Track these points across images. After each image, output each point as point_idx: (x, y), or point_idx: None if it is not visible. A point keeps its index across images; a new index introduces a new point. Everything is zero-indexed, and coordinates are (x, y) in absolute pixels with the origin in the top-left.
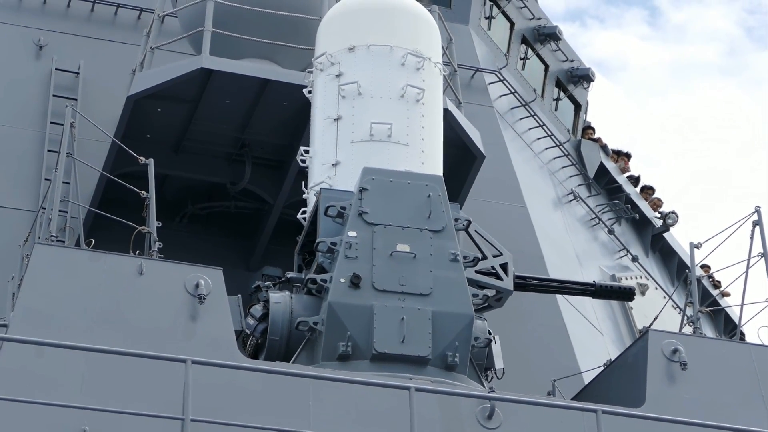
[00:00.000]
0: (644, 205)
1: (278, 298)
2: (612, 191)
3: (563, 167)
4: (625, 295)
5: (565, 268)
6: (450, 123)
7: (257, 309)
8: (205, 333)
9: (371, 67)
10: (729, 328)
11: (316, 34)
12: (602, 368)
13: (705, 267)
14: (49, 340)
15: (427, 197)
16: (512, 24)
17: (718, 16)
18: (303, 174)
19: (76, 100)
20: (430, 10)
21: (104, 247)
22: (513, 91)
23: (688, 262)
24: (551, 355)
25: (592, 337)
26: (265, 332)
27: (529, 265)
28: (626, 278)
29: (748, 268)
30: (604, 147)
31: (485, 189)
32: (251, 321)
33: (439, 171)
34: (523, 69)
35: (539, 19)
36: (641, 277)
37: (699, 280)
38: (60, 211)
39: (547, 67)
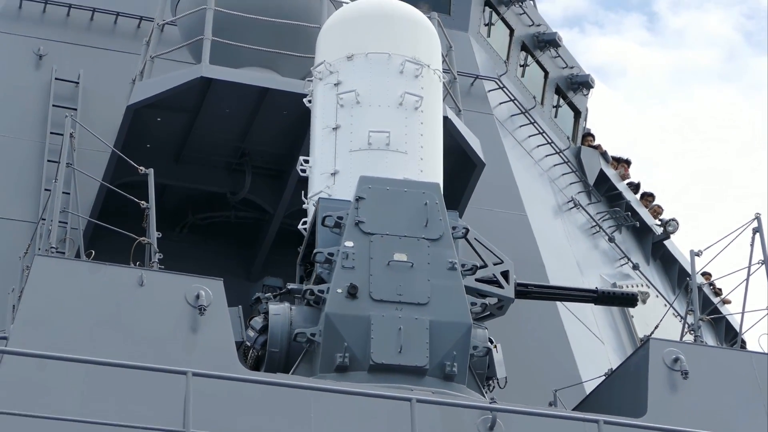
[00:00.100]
0: (644, 213)
1: (278, 309)
2: (612, 198)
3: (563, 174)
4: (627, 301)
5: (565, 276)
6: (450, 131)
7: (257, 321)
8: (205, 344)
9: (369, 75)
10: (730, 335)
11: (315, 42)
12: (604, 377)
13: (706, 274)
14: (50, 353)
15: (423, 205)
16: (512, 31)
17: (716, 21)
18: (303, 183)
19: (75, 109)
20: (429, 17)
21: (104, 257)
22: (513, 98)
23: (689, 270)
24: (552, 365)
25: (593, 346)
26: (265, 344)
27: (529, 273)
28: (627, 286)
29: (748, 275)
30: (604, 154)
31: (485, 197)
32: (251, 333)
33: (438, 178)
34: (522, 76)
35: (539, 25)
36: (642, 285)
37: (700, 288)
38: (60, 222)
39: (546, 73)
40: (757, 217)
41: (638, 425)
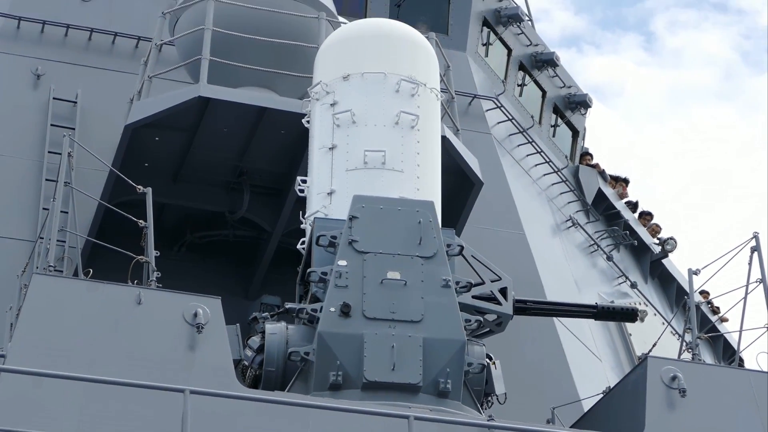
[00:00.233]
0: (643, 231)
1: (274, 329)
2: (610, 217)
3: (561, 193)
4: (627, 315)
5: (563, 294)
6: (448, 150)
7: (255, 341)
8: (203, 362)
9: (365, 95)
10: (728, 354)
11: (313, 61)
12: (601, 395)
13: (704, 293)
14: (48, 371)
15: (417, 223)
16: (509, 50)
17: (714, 41)
18: (301, 202)
19: (73, 129)
20: (427, 37)
21: (102, 276)
22: (511, 117)
23: (687, 288)
24: (550, 382)
25: (591, 364)
26: (262, 364)
27: (527, 291)
28: (625, 304)
29: (746, 294)
30: (602, 173)
31: (483, 216)
32: (249, 353)
33: (435, 197)
34: (520, 95)
35: (536, 45)
36: (640, 303)
37: (698, 306)
38: (58, 240)
39: (544, 93)
40: (756, 236)
41: None
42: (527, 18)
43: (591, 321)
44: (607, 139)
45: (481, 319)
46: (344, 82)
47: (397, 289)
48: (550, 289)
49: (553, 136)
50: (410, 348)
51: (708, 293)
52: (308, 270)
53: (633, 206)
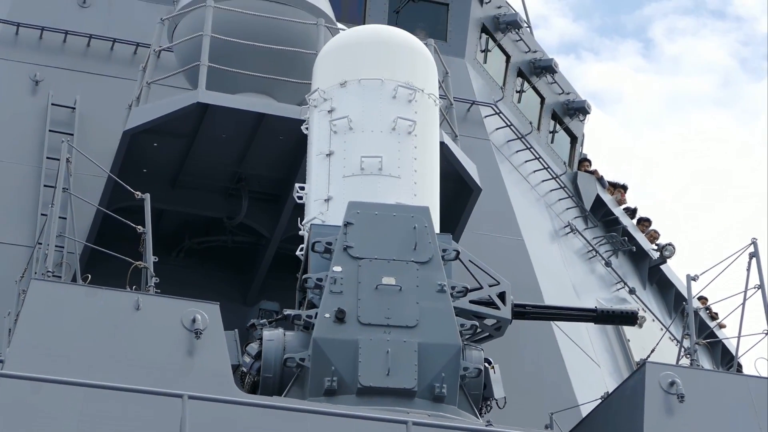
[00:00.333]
0: (641, 237)
1: (271, 335)
2: (609, 223)
3: (560, 200)
4: (627, 319)
5: (562, 300)
6: (446, 156)
7: (253, 347)
8: (202, 368)
9: (362, 101)
10: (726, 359)
11: (312, 68)
12: (600, 401)
13: (702, 299)
14: (46, 376)
15: (413, 229)
16: (508, 57)
17: (712, 48)
18: (300, 208)
19: (72, 135)
20: (426, 44)
21: (101, 282)
22: (509, 123)
23: (686, 294)
24: (548, 388)
25: (589, 370)
26: (260, 370)
27: (526, 297)
28: (625, 308)
29: (745, 299)
30: (600, 179)
31: (482, 222)
32: (247, 359)
33: (433, 202)
34: (519, 102)
35: (535, 51)
36: (638, 309)
37: (696, 312)
38: (56, 246)
39: (543, 99)
40: (754, 242)
41: None
42: (526, 24)
43: (589, 327)
44: (605, 146)
45: (477, 323)
46: (341, 89)
47: (392, 295)
48: (549, 295)
49: (552, 142)
50: (405, 353)
51: (706, 299)
52: (303, 276)
53: (631, 212)
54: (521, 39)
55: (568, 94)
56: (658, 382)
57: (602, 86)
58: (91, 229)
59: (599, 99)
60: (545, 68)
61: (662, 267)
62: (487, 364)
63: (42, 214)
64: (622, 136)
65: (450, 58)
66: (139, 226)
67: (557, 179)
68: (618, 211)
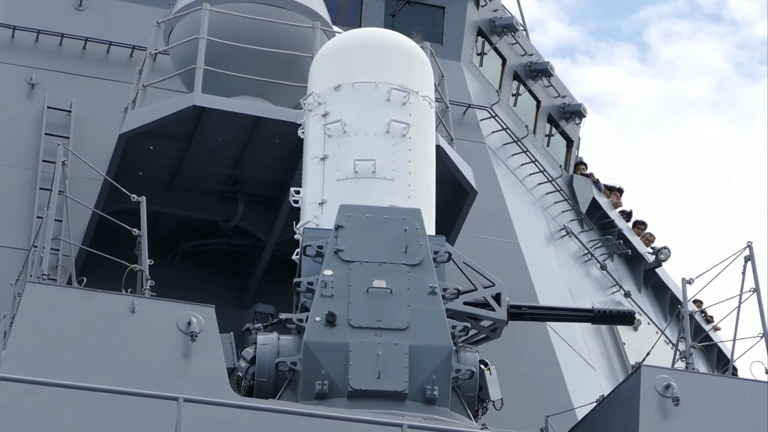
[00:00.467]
0: (636, 241)
1: (265, 339)
2: (604, 226)
3: (555, 203)
4: (624, 319)
5: (557, 303)
6: (442, 159)
7: (249, 351)
8: (197, 371)
9: (356, 105)
10: (721, 363)
11: (308, 71)
12: (595, 404)
13: (697, 302)
14: (42, 379)
15: (404, 231)
16: (504, 60)
17: (708, 51)
18: (296, 211)
19: (68, 138)
20: (422, 47)
21: (96, 285)
22: (505, 127)
23: (681, 298)
24: (544, 391)
25: (584, 373)
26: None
27: (521, 300)
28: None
29: (740, 303)
30: (596, 182)
31: (478, 225)
32: (243, 364)
33: (428, 205)
34: (515, 105)
35: (531, 55)
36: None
37: (691, 316)
38: (52, 249)
39: (539, 103)
40: (749, 246)
41: None
42: (522, 28)
43: (585, 330)
44: (602, 149)
45: (469, 325)
46: (336, 93)
47: (383, 298)
48: (544, 298)
49: (548, 145)
50: (396, 356)
51: (701, 302)
52: (295, 280)
53: (627, 215)
54: (517, 42)
55: (564, 97)
56: (653, 386)
57: (598, 90)
58: (86, 232)
59: (595, 103)
60: (541, 71)
61: (658, 270)
62: (483, 366)
63: (38, 217)
64: (618, 140)
65: (446, 61)
66: (134, 229)
67: (553, 182)
68: (614, 215)
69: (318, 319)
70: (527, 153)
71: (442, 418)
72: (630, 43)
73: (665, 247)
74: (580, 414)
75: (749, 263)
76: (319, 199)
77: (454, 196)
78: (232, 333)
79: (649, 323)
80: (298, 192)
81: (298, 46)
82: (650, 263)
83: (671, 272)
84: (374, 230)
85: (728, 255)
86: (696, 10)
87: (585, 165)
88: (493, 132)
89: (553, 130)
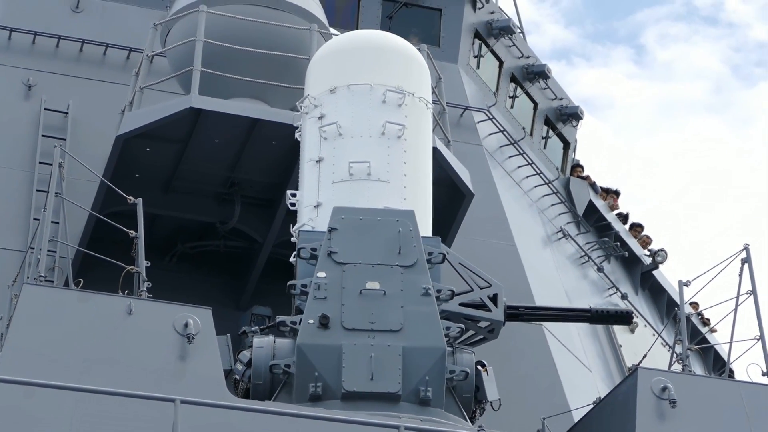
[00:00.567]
0: (633, 243)
1: (261, 342)
2: (601, 229)
3: (552, 205)
4: (622, 318)
5: (554, 305)
6: (439, 161)
7: (245, 355)
8: (194, 372)
9: (351, 107)
10: (718, 365)
11: (304, 73)
12: (592, 406)
13: (694, 304)
14: (38, 381)
15: (397, 233)
16: (501, 62)
17: (704, 54)
18: (292, 213)
19: (65, 140)
20: (419, 49)
21: (93, 287)
22: (502, 129)
23: (678, 300)
24: (540, 393)
25: (581, 375)
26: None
27: (518, 302)
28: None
29: (737, 305)
30: (593, 185)
31: (474, 227)
32: (240, 366)
33: (425, 206)
34: (512, 107)
35: (528, 57)
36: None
37: (688, 318)
38: (49, 251)
39: (535, 105)
40: (746, 248)
41: None
42: (519, 30)
43: (581, 332)
44: (599, 151)
45: (463, 326)
46: (331, 95)
47: (376, 299)
48: (541, 301)
49: (545, 147)
50: (389, 357)
51: (697, 304)
52: (289, 283)
53: (624, 218)
54: (514, 44)
55: (560, 99)
56: (650, 388)
57: (594, 92)
58: (83, 233)
59: (591, 105)
60: (538, 74)
61: (654, 272)
62: (480, 367)
63: (34, 219)
64: (614, 143)
65: (443, 63)
66: (131, 231)
67: (550, 185)
68: (610, 217)
69: (311, 321)
70: (524, 155)
71: (437, 419)
72: (626, 45)
73: (662, 250)
74: (577, 416)
75: (746, 265)
76: (314, 202)
77: (451, 198)
78: (228, 335)
79: (645, 325)
80: (294, 195)
81: (295, 48)
82: (647, 265)
83: (670, 272)
84: (368, 232)
85: (726, 257)
86: (692, 12)
87: (582, 167)
88: (490, 134)
89: (550, 132)
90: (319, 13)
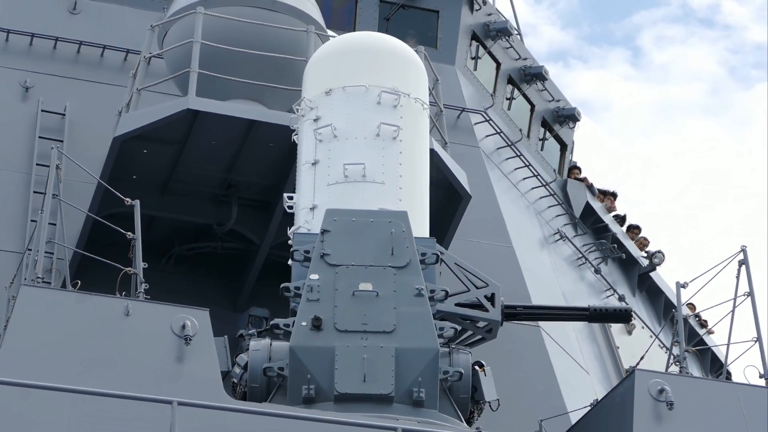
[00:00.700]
0: (631, 245)
1: (257, 345)
2: (598, 231)
3: (549, 207)
4: (621, 316)
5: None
6: (436, 163)
7: (243, 358)
8: (191, 374)
9: (346, 109)
10: (715, 367)
11: (302, 75)
12: (589, 408)
13: (691, 306)
14: (35, 382)
15: (390, 234)
16: (498, 64)
17: (701, 56)
18: (290, 214)
19: (62, 141)
20: (416, 51)
21: (90, 288)
22: (499, 131)
23: (675, 302)
24: (538, 395)
25: (578, 377)
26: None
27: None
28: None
29: (734, 307)
30: (590, 186)
31: (472, 229)
32: (237, 370)
33: (421, 207)
34: (509, 109)
35: (525, 59)
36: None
37: (685, 320)
38: (46, 252)
39: (533, 107)
40: (743, 250)
41: None
42: (516, 32)
43: (578, 334)
44: (597, 153)
45: (457, 327)
46: (327, 97)
47: (369, 301)
48: (538, 302)
49: (542, 149)
50: (382, 359)
51: (694, 306)
52: (282, 285)
53: (621, 220)
54: (511, 46)
55: (558, 101)
56: (647, 390)
57: (591, 94)
58: (80, 235)
59: (588, 107)
60: (535, 75)
61: (652, 274)
62: (477, 367)
63: (32, 221)
64: (612, 144)
65: (440, 65)
66: (128, 233)
67: (547, 186)
68: (608, 219)
69: (304, 323)
70: (521, 157)
71: (431, 420)
72: (623, 47)
73: (659, 251)
74: (574, 418)
75: (743, 267)
76: (310, 204)
77: (448, 200)
78: (226, 336)
79: (643, 327)
80: (291, 198)
81: (292, 50)
82: (644, 267)
83: (670, 272)
84: (360, 233)
85: (724, 258)
86: (689, 14)
87: (579, 169)
88: (487, 136)
89: (547, 134)
90: (317, 14)
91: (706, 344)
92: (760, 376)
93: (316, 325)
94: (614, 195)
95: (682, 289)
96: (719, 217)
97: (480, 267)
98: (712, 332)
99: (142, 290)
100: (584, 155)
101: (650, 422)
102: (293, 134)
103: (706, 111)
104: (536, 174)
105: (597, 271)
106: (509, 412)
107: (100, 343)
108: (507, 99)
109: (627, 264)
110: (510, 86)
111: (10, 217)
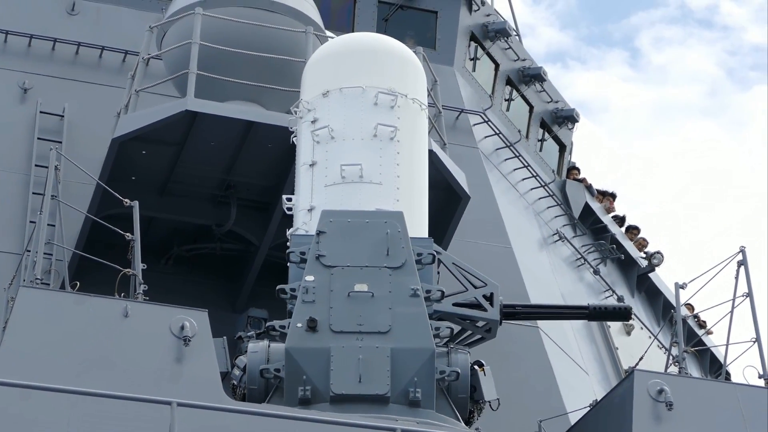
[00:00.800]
0: (629, 246)
1: (255, 347)
2: (597, 231)
3: (548, 207)
4: (620, 315)
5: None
6: (435, 164)
7: (242, 360)
8: (190, 375)
9: (343, 110)
10: (714, 367)
11: (300, 76)
12: (588, 408)
13: (690, 306)
14: (35, 383)
15: (385, 234)
16: (497, 65)
17: (699, 58)
18: (289, 215)
19: (60, 142)
20: (415, 52)
21: (89, 289)
22: (498, 132)
23: (674, 302)
24: (537, 396)
25: (577, 377)
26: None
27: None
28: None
29: (733, 307)
30: (589, 187)
31: (470, 230)
32: (237, 372)
33: (419, 208)
34: (507, 110)
35: (524, 60)
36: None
37: (684, 320)
38: (45, 253)
39: (531, 108)
40: (742, 251)
41: None
42: (515, 33)
43: (577, 335)
44: (596, 153)
45: (453, 327)
46: (324, 99)
47: (364, 301)
48: (537, 303)
49: (540, 150)
50: (377, 359)
51: (693, 307)
52: (278, 287)
53: (620, 220)
54: (510, 47)
55: (556, 102)
56: (646, 390)
57: (589, 95)
58: (79, 236)
59: (587, 108)
60: (534, 76)
61: (651, 275)
62: (477, 366)
63: (30, 222)
64: (611, 145)
65: (439, 66)
66: (127, 234)
67: (546, 187)
68: (606, 219)
69: (299, 325)
70: (520, 158)
71: (427, 420)
72: (621, 48)
73: (658, 252)
74: (573, 418)
75: (742, 268)
76: (308, 206)
77: (447, 201)
78: (225, 337)
79: (642, 328)
80: (289, 199)
81: (290, 51)
82: (643, 268)
83: (670, 272)
84: (356, 234)
85: (723, 259)
86: (687, 15)
87: (578, 170)
88: (486, 137)
89: (546, 135)
90: (315, 15)
91: (705, 345)
92: (759, 377)
93: (311, 326)
94: (613, 196)
95: (681, 290)
96: (719, 218)
97: (479, 267)
98: (711, 333)
99: (141, 291)
100: (583, 156)
101: (649, 423)
102: (292, 136)
103: (705, 112)
104: (535, 175)
105: (596, 272)
106: (508, 412)
107: (100, 344)
108: (506, 100)
109: (626, 265)
110: (509, 87)
111: (8, 219)
